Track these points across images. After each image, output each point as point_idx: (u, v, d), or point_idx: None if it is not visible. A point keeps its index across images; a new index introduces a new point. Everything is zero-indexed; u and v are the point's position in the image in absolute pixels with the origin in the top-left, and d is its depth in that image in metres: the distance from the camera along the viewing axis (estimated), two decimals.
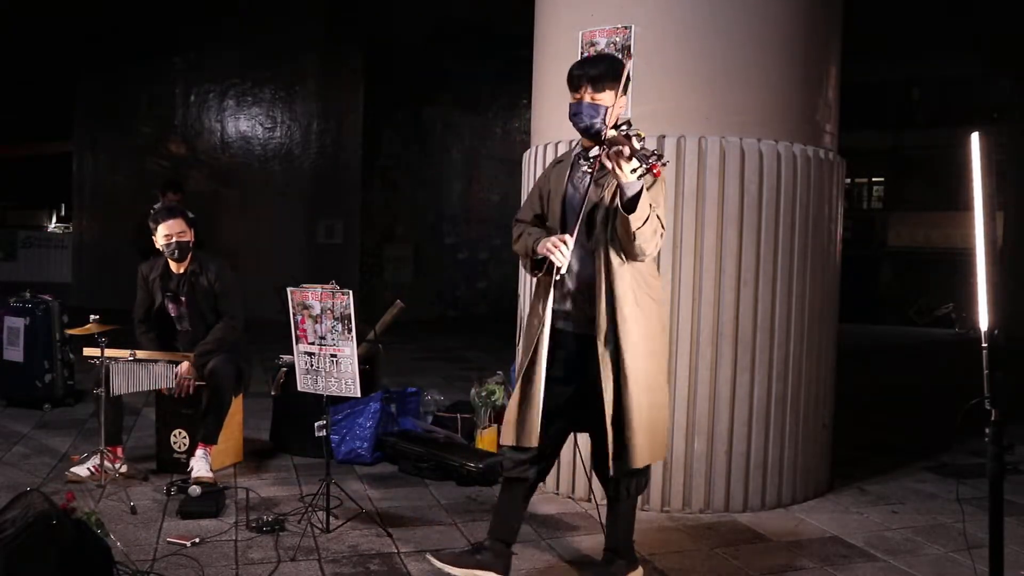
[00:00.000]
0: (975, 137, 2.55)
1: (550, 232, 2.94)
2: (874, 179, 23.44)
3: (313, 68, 13.93)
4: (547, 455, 3.04)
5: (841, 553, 3.58)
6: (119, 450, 4.33)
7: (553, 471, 4.27)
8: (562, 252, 2.77)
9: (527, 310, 3.03)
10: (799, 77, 4.13)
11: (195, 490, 3.89)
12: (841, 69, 4.43)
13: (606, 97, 2.89)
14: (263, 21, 13.56)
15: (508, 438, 2.96)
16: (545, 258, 2.83)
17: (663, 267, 3.97)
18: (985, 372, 2.41)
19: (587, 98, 2.88)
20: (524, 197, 3.79)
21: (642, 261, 2.86)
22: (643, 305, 2.89)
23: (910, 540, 3.78)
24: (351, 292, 3.61)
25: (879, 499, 4.41)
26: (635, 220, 2.69)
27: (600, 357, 2.86)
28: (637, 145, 2.59)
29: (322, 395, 3.77)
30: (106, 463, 4.10)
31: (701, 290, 3.96)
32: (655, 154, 2.62)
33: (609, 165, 2.63)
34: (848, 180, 20.70)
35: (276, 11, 13.41)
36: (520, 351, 2.99)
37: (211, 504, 3.78)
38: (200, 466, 4.14)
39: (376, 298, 12.81)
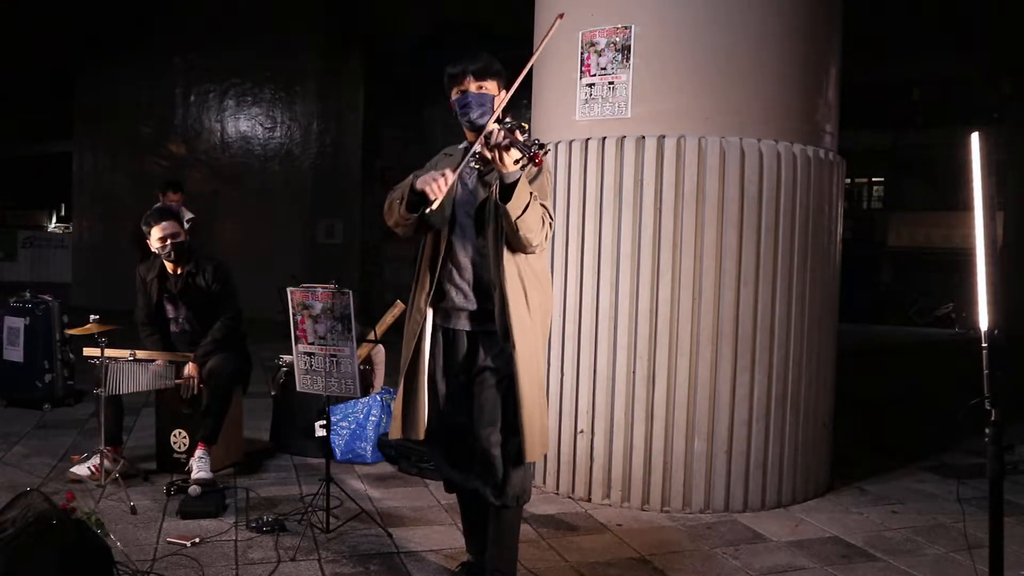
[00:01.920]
0: (975, 137, 2.55)
1: (437, 234, 2.84)
2: (874, 179, 23.44)
3: (313, 68, 13.93)
4: (483, 460, 2.87)
5: (841, 553, 3.58)
6: (119, 450, 4.33)
7: (552, 471, 4.28)
8: (440, 186, 2.62)
9: (408, 306, 2.94)
10: (799, 77, 4.13)
11: (195, 490, 3.89)
12: (841, 69, 4.43)
13: (491, 87, 2.81)
14: (263, 21, 13.56)
15: (396, 432, 2.92)
16: (419, 201, 2.71)
17: (663, 267, 3.98)
18: (985, 372, 2.41)
19: (472, 88, 2.80)
20: None
21: (532, 253, 2.77)
22: (531, 299, 2.80)
23: (910, 540, 3.78)
24: (351, 292, 3.61)
25: (879, 499, 4.41)
26: (513, 209, 2.59)
27: (514, 356, 2.75)
28: (520, 136, 2.51)
29: (322, 395, 3.77)
30: (106, 463, 4.10)
31: (701, 290, 3.96)
32: (536, 142, 2.52)
33: (490, 156, 2.55)
34: (848, 180, 20.72)
35: (276, 11, 13.41)
36: (402, 348, 2.90)
37: (211, 504, 3.78)
38: (200, 466, 4.14)
39: (376, 298, 12.81)
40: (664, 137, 3.96)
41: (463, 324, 2.85)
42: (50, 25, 14.97)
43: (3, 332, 6.04)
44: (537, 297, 2.82)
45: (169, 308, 4.46)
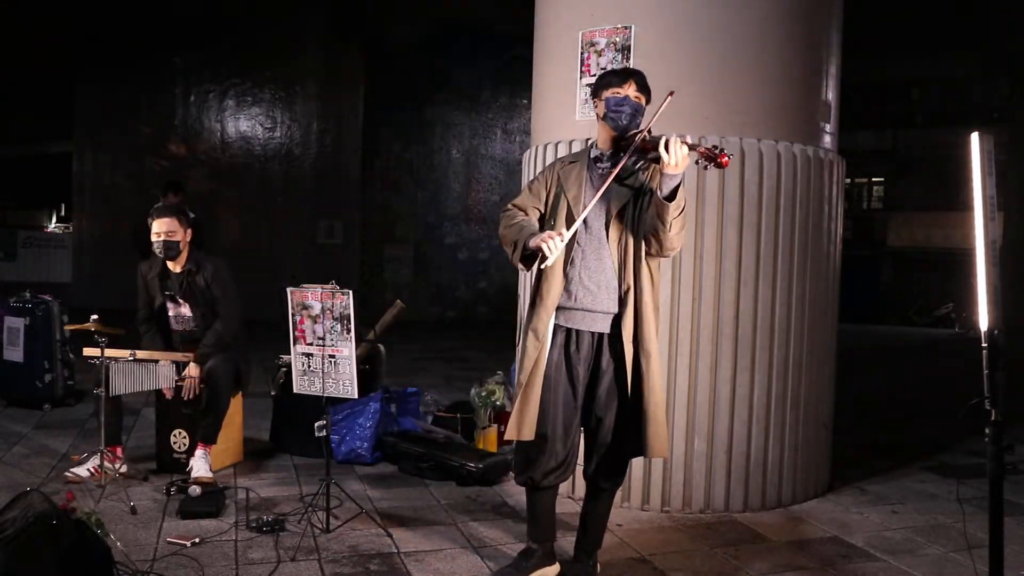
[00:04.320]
0: (975, 137, 2.55)
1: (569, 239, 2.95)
2: (874, 179, 23.45)
3: (313, 68, 13.94)
4: (573, 455, 3.08)
5: (841, 553, 3.58)
6: (119, 450, 4.33)
7: None
8: (555, 244, 2.74)
9: (527, 308, 3.04)
10: (799, 77, 4.13)
11: (195, 490, 3.89)
12: (841, 69, 4.43)
13: (644, 101, 2.97)
14: (263, 21, 13.56)
15: (513, 433, 3.02)
16: (533, 253, 2.83)
17: (663, 267, 3.97)
18: (985, 372, 2.41)
19: (632, 94, 2.93)
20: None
21: (668, 256, 2.94)
22: (656, 304, 2.98)
23: (910, 540, 3.78)
24: (351, 292, 3.61)
25: (879, 499, 4.41)
26: (674, 208, 2.76)
27: (625, 352, 2.91)
28: (695, 140, 2.69)
29: (321, 395, 3.77)
30: (106, 463, 4.10)
31: (701, 290, 3.96)
32: (716, 146, 2.68)
33: (669, 160, 2.68)
34: (848, 180, 20.73)
35: (276, 12, 13.41)
36: (527, 347, 2.99)
37: (211, 504, 3.78)
38: (199, 466, 4.14)
39: (376, 298, 12.81)
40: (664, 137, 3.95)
41: (590, 325, 2.97)
42: (50, 25, 14.97)
43: (3, 332, 6.03)
44: (656, 303, 2.98)
45: (170, 307, 4.46)
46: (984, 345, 2.41)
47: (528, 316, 3.03)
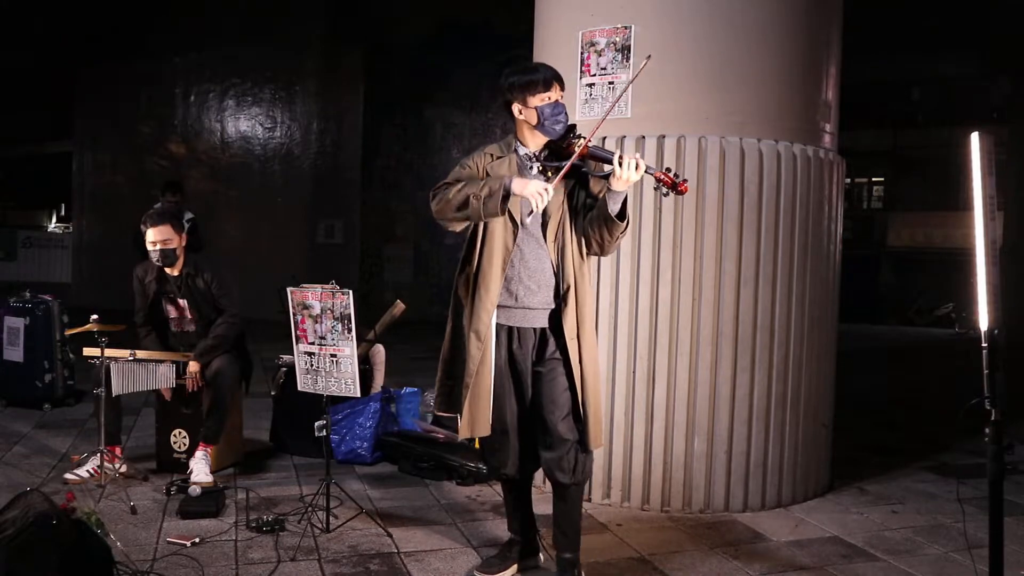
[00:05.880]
0: (975, 137, 2.55)
1: (502, 237, 2.95)
2: (874, 179, 23.44)
3: (313, 68, 13.93)
4: (533, 448, 3.10)
5: (841, 553, 3.58)
6: (117, 450, 4.33)
7: None
8: (545, 199, 2.72)
9: (470, 306, 3.01)
10: (799, 77, 4.13)
11: (195, 490, 3.89)
12: (841, 69, 4.43)
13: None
14: (263, 21, 13.55)
15: (465, 432, 3.04)
16: (501, 200, 2.77)
17: (663, 267, 3.98)
18: (985, 372, 2.41)
19: (560, 98, 2.94)
20: None
21: (606, 256, 3.05)
22: (590, 298, 3.06)
23: (910, 540, 3.78)
24: (351, 292, 3.61)
25: (879, 499, 4.41)
26: (624, 226, 2.85)
27: (569, 348, 2.94)
28: (649, 167, 2.74)
29: (322, 395, 3.77)
30: (106, 463, 4.10)
31: (701, 290, 3.96)
32: (671, 170, 2.76)
33: (623, 178, 2.73)
34: (848, 180, 20.72)
35: (276, 11, 13.40)
36: (470, 350, 2.99)
37: (211, 504, 3.78)
38: (199, 469, 4.14)
39: (376, 298, 12.81)
40: (664, 137, 3.96)
41: (531, 322, 3.00)
42: (51, 25, 14.96)
43: (3, 332, 6.03)
44: (591, 296, 3.07)
45: (170, 309, 4.46)
46: (984, 345, 2.41)
47: (468, 317, 3.01)
